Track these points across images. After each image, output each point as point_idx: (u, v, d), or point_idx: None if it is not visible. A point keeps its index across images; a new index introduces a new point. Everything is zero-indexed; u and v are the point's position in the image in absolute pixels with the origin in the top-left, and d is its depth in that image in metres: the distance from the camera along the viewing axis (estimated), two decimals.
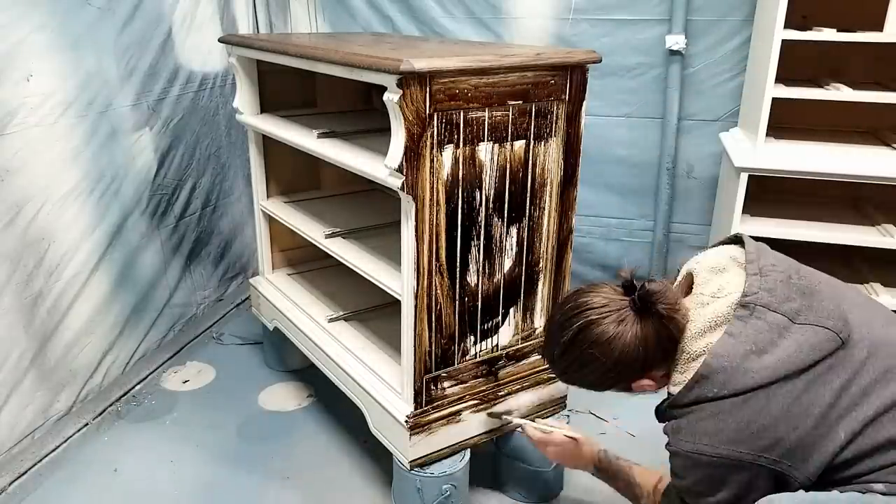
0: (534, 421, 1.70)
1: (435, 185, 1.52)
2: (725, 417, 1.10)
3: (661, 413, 1.26)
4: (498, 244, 1.67)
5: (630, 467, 1.56)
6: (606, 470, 1.58)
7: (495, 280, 1.70)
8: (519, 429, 1.76)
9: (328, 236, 2.02)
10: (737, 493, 1.11)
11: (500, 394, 1.79)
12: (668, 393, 1.23)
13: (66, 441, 2.11)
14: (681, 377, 1.19)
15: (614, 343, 1.21)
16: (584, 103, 1.67)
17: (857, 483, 1.09)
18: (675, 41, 2.63)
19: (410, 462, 1.69)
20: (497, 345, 1.77)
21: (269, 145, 2.32)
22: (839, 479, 1.10)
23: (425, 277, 1.57)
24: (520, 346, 1.81)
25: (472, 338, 1.71)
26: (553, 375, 1.87)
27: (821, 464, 1.07)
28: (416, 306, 1.59)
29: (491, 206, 1.62)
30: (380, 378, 1.83)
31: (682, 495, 1.21)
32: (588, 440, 1.63)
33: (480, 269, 1.66)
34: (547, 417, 1.90)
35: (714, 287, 1.22)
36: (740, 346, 1.12)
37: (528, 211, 1.69)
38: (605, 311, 1.22)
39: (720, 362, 1.12)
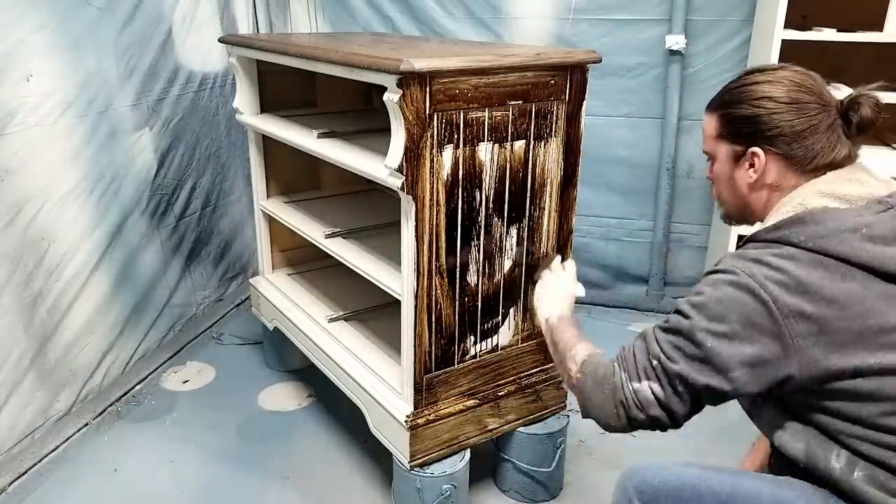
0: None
1: (435, 185, 1.52)
2: (794, 266, 1.03)
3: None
4: (498, 244, 1.67)
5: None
6: (566, 320, 1.38)
7: (495, 280, 1.70)
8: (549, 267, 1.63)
9: (328, 236, 2.02)
10: (733, 335, 1.03)
11: (499, 394, 1.79)
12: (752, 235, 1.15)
13: (66, 441, 2.11)
14: (778, 214, 1.12)
15: (800, 98, 1.10)
16: (584, 103, 1.67)
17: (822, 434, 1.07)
18: (675, 41, 2.63)
19: (410, 462, 1.69)
20: (497, 345, 1.77)
21: (269, 145, 2.32)
22: (816, 409, 1.07)
23: (425, 278, 1.57)
24: (520, 346, 1.81)
25: (472, 338, 1.71)
26: (553, 376, 1.87)
27: (827, 373, 1.02)
28: (416, 306, 1.59)
29: (491, 206, 1.62)
30: (380, 378, 1.83)
31: (683, 310, 1.09)
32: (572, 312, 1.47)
33: (480, 269, 1.66)
34: (547, 418, 1.90)
35: (863, 177, 1.12)
36: (852, 220, 1.05)
37: (528, 211, 1.69)
38: (815, 85, 1.13)
39: (825, 217, 1.05)
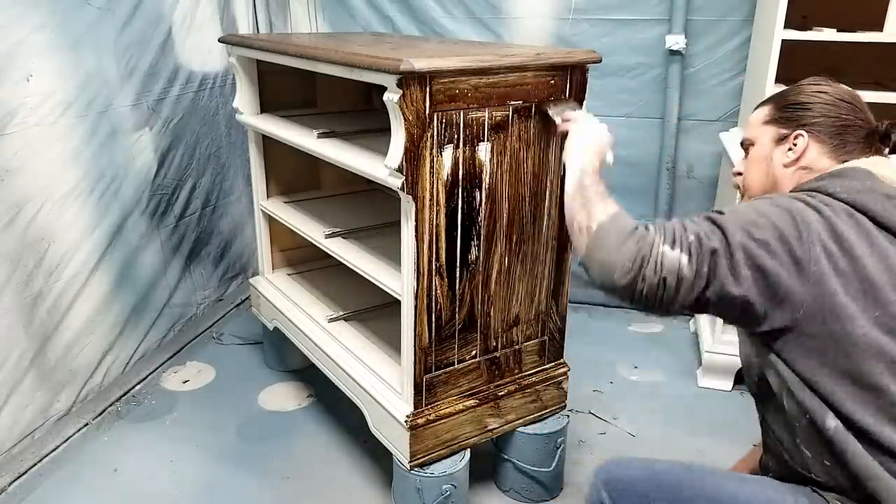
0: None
1: (435, 185, 1.52)
2: (829, 210, 1.09)
3: None
4: (498, 244, 1.67)
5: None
6: (600, 187, 1.30)
7: (495, 280, 1.69)
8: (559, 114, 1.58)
9: (328, 236, 2.02)
10: (761, 242, 1.06)
11: (499, 394, 1.79)
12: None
13: (66, 441, 2.11)
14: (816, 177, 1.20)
15: (851, 101, 1.23)
16: (584, 103, 1.67)
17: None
18: (675, 41, 2.63)
19: (410, 462, 1.69)
20: (497, 345, 1.77)
21: (269, 145, 2.32)
22: (811, 365, 1.08)
23: (425, 278, 1.57)
24: (520, 346, 1.81)
25: (472, 338, 1.71)
26: (553, 377, 1.87)
27: (831, 312, 1.05)
28: (416, 306, 1.59)
29: (491, 206, 1.62)
30: (380, 378, 1.83)
31: (720, 210, 1.13)
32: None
33: (480, 269, 1.66)
34: (547, 418, 1.90)
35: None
36: (889, 189, 1.12)
37: (527, 211, 1.68)
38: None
39: (863, 175, 1.14)
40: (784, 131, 1.25)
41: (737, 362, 2.21)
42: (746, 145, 1.33)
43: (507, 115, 1.57)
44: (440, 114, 1.47)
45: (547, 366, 1.87)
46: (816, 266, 1.04)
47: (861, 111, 1.23)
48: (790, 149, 1.23)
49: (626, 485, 1.21)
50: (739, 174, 1.36)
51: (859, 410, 1.05)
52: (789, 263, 1.05)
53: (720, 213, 1.12)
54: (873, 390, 1.05)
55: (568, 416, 1.93)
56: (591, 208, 1.21)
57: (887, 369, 1.04)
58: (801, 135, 1.22)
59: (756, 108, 1.34)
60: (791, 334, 1.08)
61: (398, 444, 1.71)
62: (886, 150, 1.23)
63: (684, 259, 1.06)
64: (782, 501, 1.12)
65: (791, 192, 1.19)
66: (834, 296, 1.04)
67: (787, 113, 1.25)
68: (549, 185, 1.70)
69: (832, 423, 1.07)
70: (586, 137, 1.41)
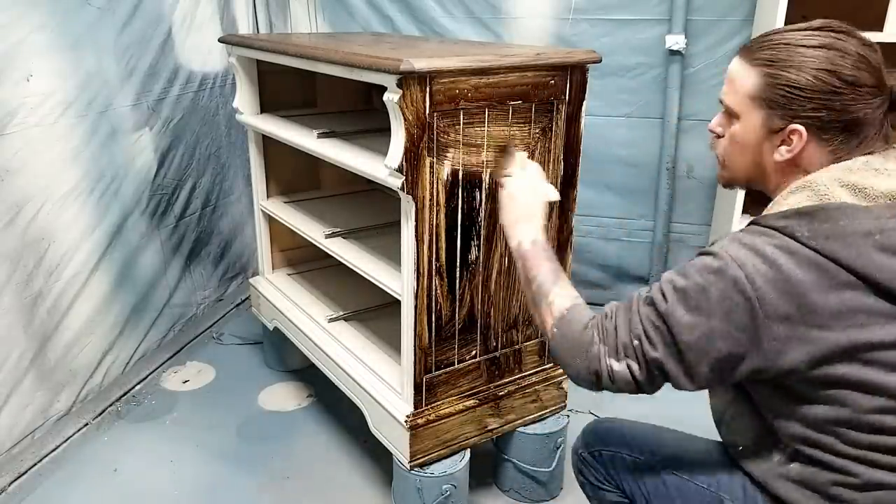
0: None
1: (435, 185, 1.52)
2: (790, 261, 0.94)
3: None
4: (498, 244, 1.67)
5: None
6: (542, 246, 1.26)
7: (495, 280, 1.69)
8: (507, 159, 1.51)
9: (328, 236, 2.02)
10: (709, 331, 0.97)
11: (499, 394, 1.79)
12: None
13: (66, 441, 2.11)
14: (791, 199, 1.00)
15: (864, 79, 0.96)
16: (584, 103, 1.67)
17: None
18: (675, 41, 2.63)
19: (410, 462, 1.69)
20: (497, 345, 1.77)
21: (269, 145, 2.32)
22: (770, 401, 1.05)
23: (425, 278, 1.57)
24: (520, 346, 1.81)
25: (472, 338, 1.71)
26: (553, 377, 1.87)
27: (793, 372, 0.97)
28: (416, 306, 1.59)
29: (491, 206, 1.62)
30: (380, 378, 1.83)
31: (665, 291, 1.02)
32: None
33: (480, 269, 1.66)
34: (547, 418, 1.90)
35: (892, 167, 0.99)
36: (869, 223, 0.94)
37: None
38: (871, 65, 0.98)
39: (837, 215, 0.94)
40: (777, 122, 1.01)
41: None
42: (728, 112, 1.09)
43: (507, 115, 1.57)
44: (440, 114, 1.47)
45: (547, 366, 1.87)
46: (773, 338, 0.96)
47: (876, 80, 0.97)
48: (783, 143, 1.02)
49: (598, 433, 1.37)
50: (719, 136, 1.13)
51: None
52: (743, 338, 0.97)
53: (664, 296, 1.01)
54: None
55: (568, 416, 1.93)
56: (541, 307, 1.17)
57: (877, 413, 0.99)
58: (799, 133, 1.00)
59: (740, 60, 1.06)
60: (764, 386, 1.05)
61: (398, 444, 1.71)
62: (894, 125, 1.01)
63: (634, 366, 1.04)
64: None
65: (758, 224, 1.01)
66: (798, 362, 0.97)
67: (780, 96, 1.00)
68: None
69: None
70: (518, 198, 1.36)
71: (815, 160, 1.02)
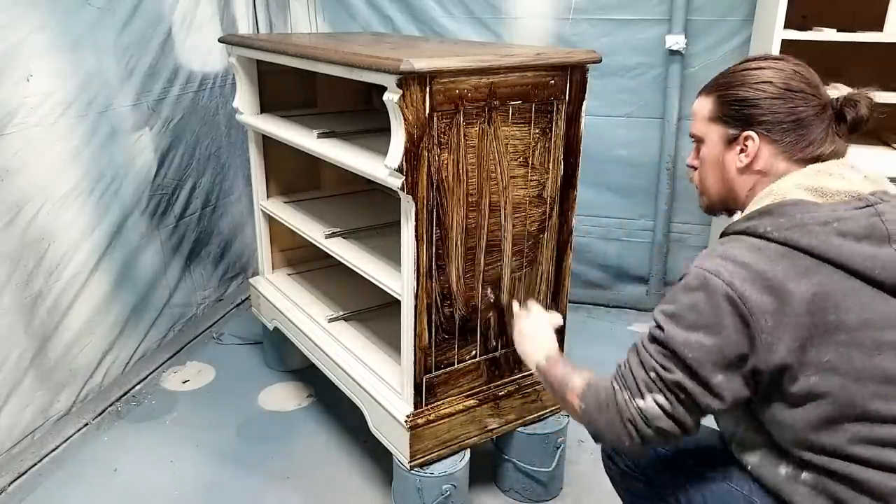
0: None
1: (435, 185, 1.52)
2: (759, 258, 1.02)
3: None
4: (498, 244, 1.67)
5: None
6: (555, 359, 1.35)
7: (495, 280, 1.69)
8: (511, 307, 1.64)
9: (328, 236, 2.02)
10: (711, 345, 1.02)
11: (499, 394, 1.79)
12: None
13: (66, 441, 2.11)
14: (755, 206, 1.11)
15: (799, 87, 1.10)
16: (584, 103, 1.67)
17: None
18: (675, 41, 2.63)
19: (410, 462, 1.68)
20: (497, 345, 1.77)
21: (269, 145, 2.32)
22: (769, 413, 1.07)
23: (425, 277, 1.57)
24: None
25: (472, 338, 1.71)
26: None
27: (784, 366, 1.01)
28: (416, 306, 1.59)
29: (491, 206, 1.62)
30: (380, 378, 1.83)
31: (658, 322, 1.09)
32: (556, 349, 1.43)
33: (480, 269, 1.66)
34: (547, 418, 1.90)
35: (846, 172, 1.09)
36: (824, 214, 1.03)
37: (528, 211, 1.68)
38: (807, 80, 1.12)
39: (793, 209, 1.04)
40: (732, 132, 1.14)
41: None
42: (696, 141, 1.23)
43: (507, 115, 1.57)
44: (440, 114, 1.47)
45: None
46: (764, 331, 1.00)
47: (815, 96, 1.11)
48: (741, 150, 1.14)
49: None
50: (693, 167, 1.27)
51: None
52: (741, 339, 1.01)
53: (659, 327, 1.08)
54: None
55: (568, 416, 1.93)
56: (567, 396, 1.23)
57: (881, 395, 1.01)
58: (751, 137, 1.12)
59: (698, 97, 1.22)
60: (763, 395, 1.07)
61: (398, 444, 1.71)
62: (845, 131, 1.11)
63: (660, 398, 1.06)
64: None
65: (726, 234, 1.12)
66: (786, 353, 1.00)
67: (731, 111, 1.14)
68: (549, 185, 1.70)
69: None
70: (529, 332, 1.46)
71: (770, 162, 1.13)
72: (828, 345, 1.00)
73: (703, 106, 1.19)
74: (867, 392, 1.00)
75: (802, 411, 1.03)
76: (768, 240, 1.04)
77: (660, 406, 1.06)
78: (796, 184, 1.08)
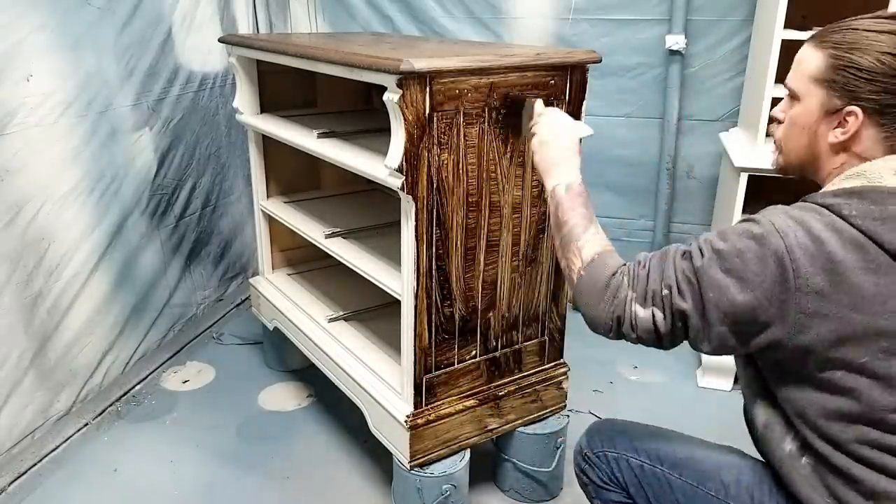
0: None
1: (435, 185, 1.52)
2: (834, 239, 0.94)
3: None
4: (498, 244, 1.67)
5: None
6: (577, 192, 1.23)
7: (495, 280, 1.69)
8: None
9: (328, 236, 2.02)
10: (737, 292, 0.97)
11: (499, 394, 1.79)
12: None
13: (66, 441, 2.11)
14: (842, 183, 1.02)
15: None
16: (584, 103, 1.67)
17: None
18: (675, 41, 2.63)
19: (410, 462, 1.69)
20: (497, 345, 1.77)
21: (269, 145, 2.32)
22: (788, 386, 1.04)
23: (425, 277, 1.57)
24: (520, 346, 1.81)
25: (472, 338, 1.71)
26: (553, 377, 1.87)
27: (813, 353, 0.97)
28: (416, 306, 1.59)
29: (491, 206, 1.62)
30: (380, 378, 1.83)
31: (702, 248, 1.03)
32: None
33: (481, 269, 1.66)
34: (547, 417, 1.90)
35: None
36: None
37: (528, 211, 1.68)
38: None
39: (886, 198, 0.95)
40: (836, 102, 1.01)
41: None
42: (791, 95, 1.10)
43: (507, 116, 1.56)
44: (440, 114, 1.47)
45: (547, 366, 1.87)
46: (800, 311, 0.96)
47: None
48: (839, 125, 1.02)
49: (600, 429, 1.36)
50: (778, 122, 1.14)
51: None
52: (769, 307, 0.97)
53: (700, 252, 1.02)
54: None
55: (568, 416, 1.93)
56: (570, 250, 1.16)
57: None
58: (855, 113, 0.99)
59: (808, 44, 1.07)
60: (781, 368, 1.05)
61: (398, 444, 1.71)
62: None
63: (658, 315, 1.04)
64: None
65: (800, 201, 1.03)
66: (820, 341, 0.97)
67: (842, 77, 1.00)
68: None
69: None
70: (551, 141, 1.31)
71: (868, 146, 1.02)
72: (868, 347, 0.96)
73: (811, 61, 1.05)
74: (893, 401, 0.98)
75: (818, 397, 1.01)
76: (850, 223, 0.96)
77: (654, 322, 1.05)
78: (893, 168, 0.98)
